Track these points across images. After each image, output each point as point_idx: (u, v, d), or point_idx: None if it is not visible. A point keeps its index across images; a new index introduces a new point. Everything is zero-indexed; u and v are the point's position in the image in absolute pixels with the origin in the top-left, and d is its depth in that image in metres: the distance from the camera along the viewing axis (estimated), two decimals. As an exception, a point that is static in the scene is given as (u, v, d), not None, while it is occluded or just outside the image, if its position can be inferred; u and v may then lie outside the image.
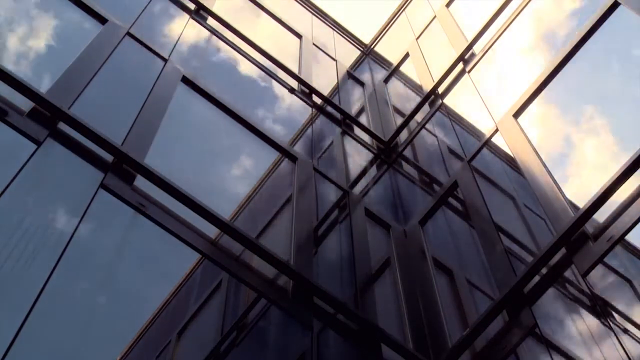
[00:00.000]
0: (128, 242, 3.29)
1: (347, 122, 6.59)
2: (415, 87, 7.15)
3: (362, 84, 7.93)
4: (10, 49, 3.79)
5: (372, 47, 9.31)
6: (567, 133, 4.50)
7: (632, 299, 3.36)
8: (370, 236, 4.99)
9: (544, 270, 3.88)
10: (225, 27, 6.21)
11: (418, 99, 6.83)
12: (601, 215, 3.73)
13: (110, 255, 3.13)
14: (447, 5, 7.70)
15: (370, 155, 6.36)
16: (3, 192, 2.89)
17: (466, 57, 6.42)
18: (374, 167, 6.22)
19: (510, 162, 4.80)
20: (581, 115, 4.47)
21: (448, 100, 6.26)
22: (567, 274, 3.78)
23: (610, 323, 3.36)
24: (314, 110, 6.26)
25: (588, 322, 3.53)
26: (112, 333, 2.86)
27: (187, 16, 5.83)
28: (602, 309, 3.46)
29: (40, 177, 3.14)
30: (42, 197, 3.05)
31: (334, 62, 7.92)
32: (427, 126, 6.34)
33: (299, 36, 7.65)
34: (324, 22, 8.99)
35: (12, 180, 2.97)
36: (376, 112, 7.35)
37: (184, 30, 5.56)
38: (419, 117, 6.62)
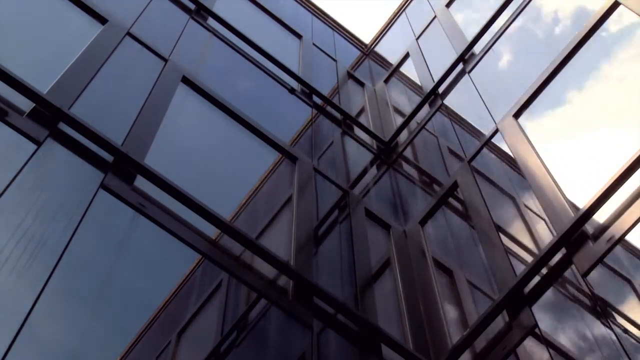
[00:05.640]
0: (128, 242, 3.29)
1: (347, 122, 6.59)
2: (415, 87, 7.15)
3: (362, 84, 7.93)
4: (11, 49, 3.79)
5: (372, 47, 9.32)
6: (568, 133, 4.50)
7: (632, 299, 3.36)
8: (370, 236, 4.99)
9: (544, 270, 3.88)
10: (225, 27, 6.21)
11: (418, 99, 6.83)
12: (601, 215, 3.73)
13: (110, 255, 3.13)
14: (447, 5, 7.70)
15: (370, 156, 6.36)
16: (3, 192, 2.89)
17: (466, 57, 6.42)
18: (374, 167, 6.22)
19: (510, 162, 4.80)
20: (581, 115, 4.47)
21: (448, 100, 6.27)
22: (567, 274, 3.78)
23: (610, 323, 3.36)
24: (314, 110, 6.26)
25: (588, 322, 3.53)
26: (112, 333, 2.86)
27: (187, 16, 5.83)
28: (602, 309, 3.46)
29: (40, 177, 3.14)
30: (42, 197, 3.05)
31: (334, 62, 7.92)
32: (427, 126, 6.34)
33: (299, 36, 7.65)
34: (324, 22, 8.99)
35: (12, 180, 2.97)
36: (376, 112, 7.35)
37: (184, 30, 5.56)
38: (419, 117, 6.62)
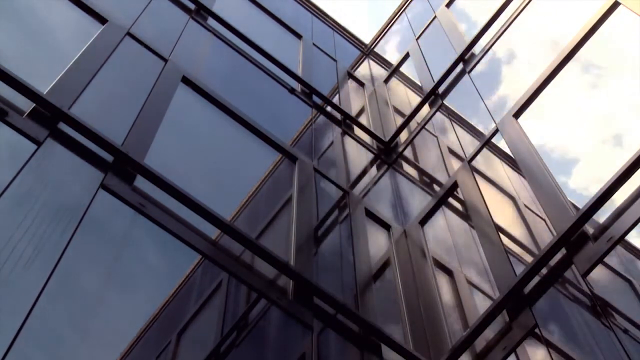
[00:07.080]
0: (128, 242, 3.29)
1: (347, 122, 6.59)
2: (415, 87, 7.15)
3: (362, 84, 7.93)
4: (11, 48, 3.79)
5: (372, 47, 9.31)
6: (567, 133, 4.50)
7: (632, 299, 3.36)
8: (370, 236, 4.99)
9: (544, 271, 3.88)
10: (225, 27, 6.21)
11: (418, 99, 6.82)
12: (601, 215, 3.73)
13: (110, 256, 3.13)
14: (447, 5, 7.70)
15: (370, 156, 6.36)
16: (3, 192, 2.89)
17: (466, 57, 6.42)
18: (374, 167, 6.22)
19: (510, 162, 4.80)
20: (581, 115, 4.47)
21: (448, 100, 6.26)
22: (567, 274, 3.78)
23: (610, 323, 3.36)
24: (314, 110, 6.26)
25: (588, 322, 3.53)
26: (112, 333, 2.86)
27: (187, 16, 5.83)
28: (602, 309, 3.46)
29: (40, 177, 3.14)
30: (42, 197, 3.05)
31: (334, 62, 7.91)
32: (427, 126, 6.34)
33: (299, 36, 7.65)
34: (324, 22, 8.99)
35: (12, 180, 2.97)
36: (376, 112, 7.35)
37: (184, 30, 5.56)
38: (419, 117, 6.62)
